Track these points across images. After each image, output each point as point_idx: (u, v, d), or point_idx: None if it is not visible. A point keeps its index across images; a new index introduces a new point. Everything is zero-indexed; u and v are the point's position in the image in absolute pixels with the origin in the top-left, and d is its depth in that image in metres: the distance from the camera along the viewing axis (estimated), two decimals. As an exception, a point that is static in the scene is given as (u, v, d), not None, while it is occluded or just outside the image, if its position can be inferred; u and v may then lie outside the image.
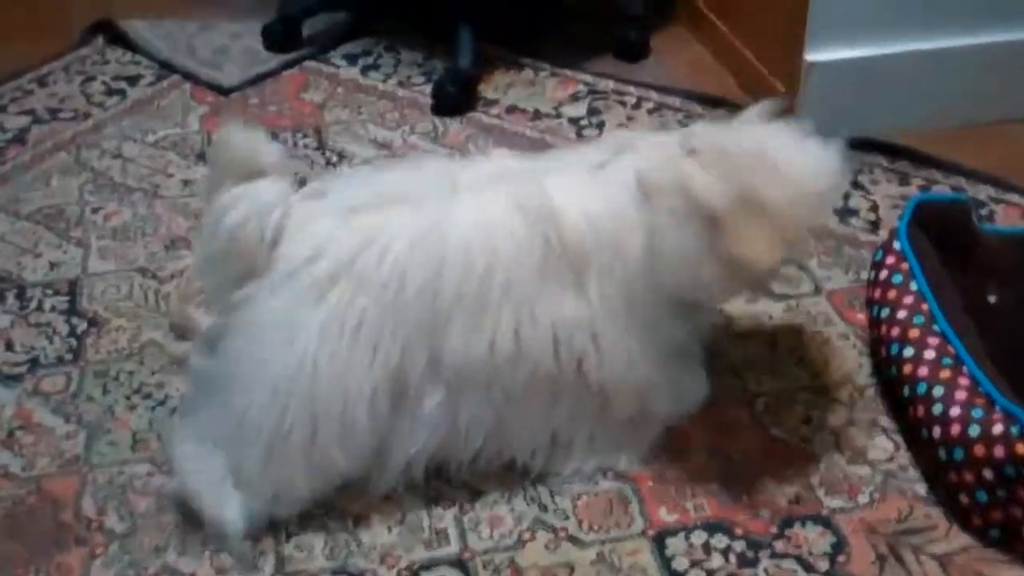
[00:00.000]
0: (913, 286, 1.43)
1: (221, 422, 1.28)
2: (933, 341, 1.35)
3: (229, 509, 1.28)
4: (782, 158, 1.24)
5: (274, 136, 2.04)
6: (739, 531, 1.31)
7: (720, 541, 1.30)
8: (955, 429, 1.26)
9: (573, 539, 1.30)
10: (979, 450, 1.23)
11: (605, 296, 1.27)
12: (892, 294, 1.44)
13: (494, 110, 2.13)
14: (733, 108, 2.05)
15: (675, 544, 1.29)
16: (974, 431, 1.24)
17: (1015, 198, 1.85)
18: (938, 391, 1.31)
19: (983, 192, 1.86)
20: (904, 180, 1.90)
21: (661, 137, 1.34)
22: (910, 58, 1.96)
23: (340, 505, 1.34)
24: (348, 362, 1.22)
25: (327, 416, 1.23)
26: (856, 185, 1.88)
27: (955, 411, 1.27)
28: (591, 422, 1.35)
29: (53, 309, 1.65)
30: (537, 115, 2.11)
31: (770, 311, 1.62)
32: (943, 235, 1.50)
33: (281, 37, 2.32)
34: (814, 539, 1.29)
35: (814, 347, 1.56)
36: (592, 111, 2.12)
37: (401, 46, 2.34)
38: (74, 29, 2.40)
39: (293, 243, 1.25)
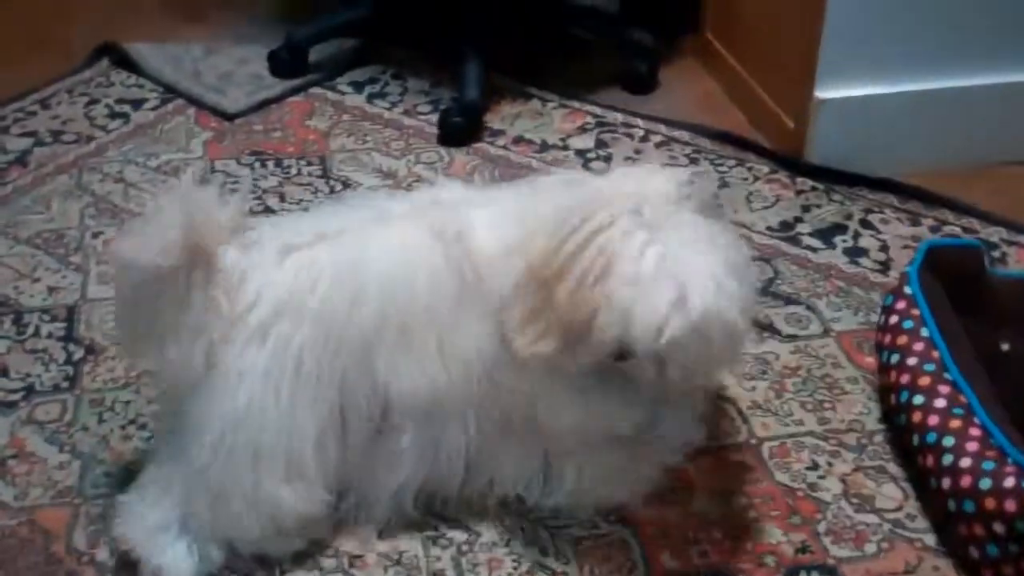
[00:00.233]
0: (924, 332, 1.40)
1: (173, 468, 1.28)
2: (944, 389, 1.33)
3: (166, 557, 1.26)
4: (645, 262, 1.13)
5: (278, 163, 2.03)
6: (743, 579, 1.28)
7: (724, 589, 1.27)
8: (966, 481, 1.24)
9: (573, 584, 1.28)
10: (990, 503, 1.21)
11: None
12: (903, 340, 1.42)
13: (500, 140, 2.11)
14: (740, 144, 2.06)
15: (678, 591, 1.27)
16: (985, 484, 1.22)
17: (1028, 241, 1.83)
18: (948, 441, 1.28)
19: (995, 234, 1.84)
20: (915, 220, 1.88)
21: (604, 182, 1.28)
22: (922, 97, 1.95)
23: (335, 543, 1.32)
24: (292, 399, 1.23)
25: (272, 456, 1.23)
26: (866, 225, 1.86)
27: (966, 462, 1.25)
28: (577, 454, 1.32)
29: (50, 335, 1.63)
30: (544, 146, 2.09)
31: (777, 351, 1.59)
32: (955, 281, 1.48)
33: (287, 63, 2.31)
34: (820, 589, 1.27)
35: (822, 391, 1.53)
36: (600, 143, 2.10)
37: (408, 74, 2.32)
38: (79, 51, 2.39)
39: (239, 296, 1.24)
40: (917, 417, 1.34)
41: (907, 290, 1.46)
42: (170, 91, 2.26)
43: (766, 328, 1.64)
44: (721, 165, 2.03)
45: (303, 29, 2.34)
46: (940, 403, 1.32)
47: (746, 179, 1.99)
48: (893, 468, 1.42)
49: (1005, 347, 1.47)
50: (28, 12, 2.58)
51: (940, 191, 1.93)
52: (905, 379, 1.38)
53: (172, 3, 2.63)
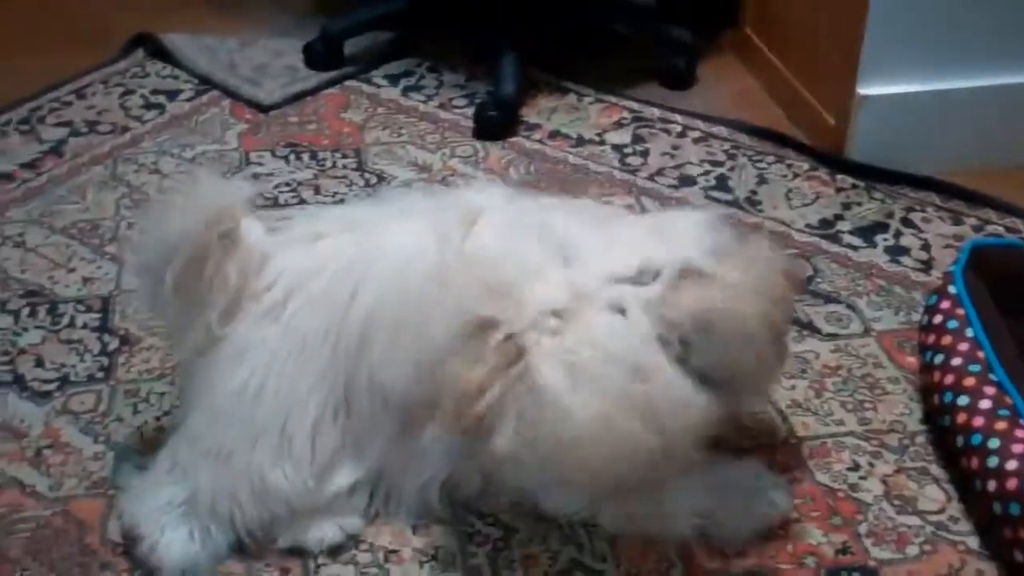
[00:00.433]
0: (969, 332, 1.38)
1: (177, 442, 1.30)
2: (989, 391, 1.31)
3: (164, 536, 1.26)
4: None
5: (313, 155, 2.02)
6: (782, 580, 1.27)
7: (763, 590, 1.26)
8: (1012, 483, 1.22)
9: (610, 583, 1.27)
10: (1037, 506, 1.19)
11: None
12: (947, 340, 1.40)
13: (536, 135, 2.10)
14: (780, 140, 2.04)
15: (716, 592, 1.26)
16: (1032, 487, 1.20)
17: (1072, 241, 1.80)
18: (993, 443, 1.26)
19: (1039, 234, 1.81)
20: (957, 220, 1.85)
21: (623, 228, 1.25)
22: (966, 94, 1.92)
23: (370, 538, 1.31)
24: (292, 380, 1.24)
25: (266, 432, 1.24)
26: (907, 223, 1.84)
27: (1012, 464, 1.23)
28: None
29: (85, 326, 1.63)
30: (580, 141, 2.08)
31: (817, 350, 1.57)
32: (998, 281, 1.46)
33: (323, 55, 2.30)
34: (861, 592, 1.26)
35: (863, 390, 1.51)
36: (637, 138, 2.08)
37: (444, 67, 2.31)
38: (114, 42, 2.39)
39: (259, 274, 1.28)
40: (961, 418, 1.32)
41: (951, 289, 1.44)
42: (205, 82, 2.26)
43: (805, 327, 1.62)
44: (760, 161, 2.01)
45: (338, 22, 2.33)
46: (985, 404, 1.30)
47: (785, 176, 1.97)
48: (936, 470, 1.40)
49: (1051, 348, 1.45)
50: (64, 3, 2.59)
51: (983, 190, 1.90)
52: (949, 380, 1.36)
53: (208, -5, 2.64)
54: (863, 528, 1.32)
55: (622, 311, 1.10)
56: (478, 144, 2.07)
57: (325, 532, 1.29)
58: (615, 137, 2.09)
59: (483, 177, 1.96)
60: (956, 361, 1.37)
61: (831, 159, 1.98)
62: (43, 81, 2.25)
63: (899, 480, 1.38)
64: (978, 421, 1.29)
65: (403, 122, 2.13)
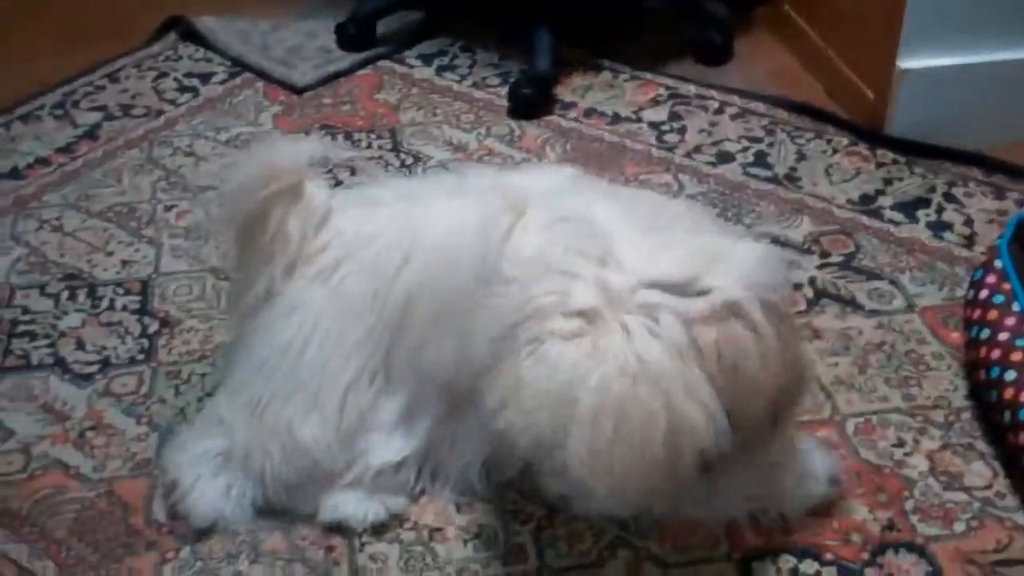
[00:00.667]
0: (1015, 307, 1.37)
1: (221, 393, 1.34)
2: (1038, 364, 1.30)
3: (198, 485, 1.29)
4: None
5: (348, 136, 2.01)
6: (829, 557, 1.25)
7: (809, 567, 1.25)
8: (1062, 458, 1.21)
9: (655, 559, 1.26)
10: (1087, 482, 1.17)
11: None
12: (993, 315, 1.38)
13: (572, 113, 2.09)
14: (818, 115, 2.02)
15: (761, 569, 1.25)
16: (1083, 462, 1.18)
17: (1116, 215, 1.77)
18: (1043, 418, 1.25)
19: (1083, 208, 1.79)
20: (1000, 194, 1.83)
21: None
22: (1008, 67, 1.90)
23: (414, 517, 1.31)
24: (336, 341, 1.26)
25: (302, 391, 1.26)
26: (949, 198, 1.82)
27: (1062, 439, 1.22)
28: None
29: (125, 308, 1.63)
30: (616, 119, 2.06)
31: (860, 327, 1.56)
32: (1045, 254, 1.44)
33: (355, 36, 2.29)
34: (908, 568, 1.24)
35: (907, 367, 1.50)
36: (673, 116, 2.07)
37: (477, 46, 2.30)
38: (146, 25, 2.38)
39: (318, 234, 1.29)
40: (1009, 394, 1.30)
41: (997, 264, 1.42)
42: (238, 65, 2.26)
43: (848, 303, 1.60)
44: (799, 137, 1.99)
45: (369, 2, 2.32)
46: (1033, 379, 1.29)
47: (825, 151, 1.95)
48: (982, 445, 1.38)
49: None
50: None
51: (1026, 164, 1.88)
52: (996, 355, 1.34)
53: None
54: (909, 504, 1.31)
55: (655, 319, 1.06)
56: (513, 123, 2.06)
57: (368, 509, 1.29)
58: (651, 114, 2.08)
59: (548, 163, 1.93)
60: (1003, 336, 1.35)
61: (871, 134, 1.96)
62: (77, 66, 2.25)
63: (945, 456, 1.37)
64: (1026, 396, 1.28)
65: (437, 102, 2.13)
